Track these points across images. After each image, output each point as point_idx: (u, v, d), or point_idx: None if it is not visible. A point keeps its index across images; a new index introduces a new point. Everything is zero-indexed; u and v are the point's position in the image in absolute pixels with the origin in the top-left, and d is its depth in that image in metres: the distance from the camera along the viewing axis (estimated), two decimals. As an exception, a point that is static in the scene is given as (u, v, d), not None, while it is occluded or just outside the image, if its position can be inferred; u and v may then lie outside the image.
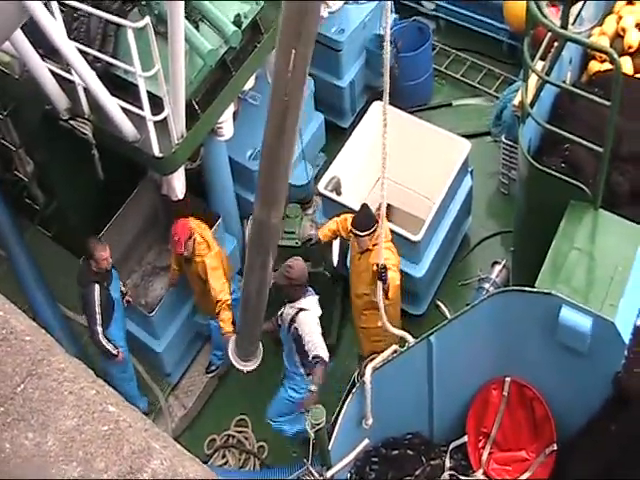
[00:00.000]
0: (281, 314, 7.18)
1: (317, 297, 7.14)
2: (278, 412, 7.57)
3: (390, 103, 8.44)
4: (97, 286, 7.30)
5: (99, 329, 7.38)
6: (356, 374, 7.20)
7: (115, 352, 7.48)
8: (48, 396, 2.90)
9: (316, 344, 6.89)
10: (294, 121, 4.36)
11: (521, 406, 6.64)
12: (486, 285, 8.51)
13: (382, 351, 6.47)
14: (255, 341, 6.86)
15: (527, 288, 5.93)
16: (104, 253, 7.23)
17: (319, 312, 7.09)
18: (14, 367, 2.96)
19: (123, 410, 2.96)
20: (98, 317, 7.35)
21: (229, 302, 7.47)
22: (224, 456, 8.26)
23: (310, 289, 7.12)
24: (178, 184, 7.08)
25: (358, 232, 7.16)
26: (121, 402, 3.00)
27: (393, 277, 7.02)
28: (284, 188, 4.85)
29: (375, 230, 7.01)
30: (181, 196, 7.27)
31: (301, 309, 7.01)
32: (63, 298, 8.71)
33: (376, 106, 8.75)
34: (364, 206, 7.39)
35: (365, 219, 7.19)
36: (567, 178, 6.28)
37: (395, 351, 5.92)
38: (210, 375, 8.60)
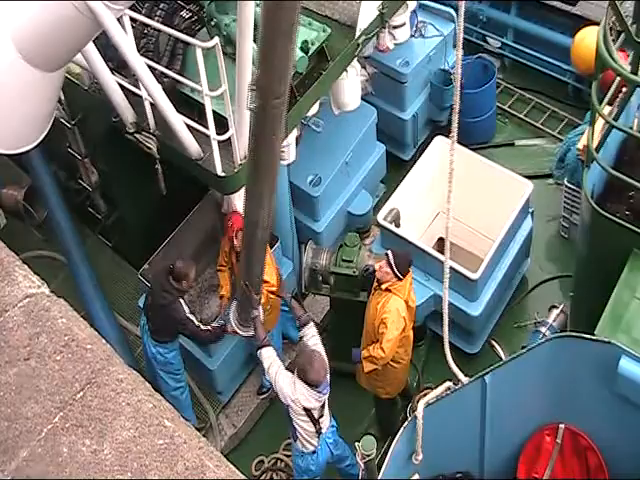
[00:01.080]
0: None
1: (319, 397, 6.64)
2: None
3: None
4: (181, 300, 7.32)
5: (200, 325, 7.34)
6: (408, 408, 7.10)
7: (224, 327, 7.39)
8: (106, 405, 2.92)
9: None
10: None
11: (574, 454, 6.47)
12: (543, 329, 8.39)
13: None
14: (253, 306, 6.82)
15: (586, 335, 5.82)
16: (194, 274, 7.30)
17: (305, 404, 6.60)
18: (74, 374, 3.00)
19: (178, 426, 2.95)
20: (192, 317, 7.31)
21: (273, 289, 7.35)
22: (271, 478, 8.23)
23: (317, 387, 6.57)
24: (239, 203, 7.07)
25: (395, 269, 6.95)
26: (177, 418, 3.00)
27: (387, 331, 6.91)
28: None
29: (403, 278, 6.95)
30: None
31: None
32: (119, 307, 8.79)
33: (439, 141, 8.71)
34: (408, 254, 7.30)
35: (404, 262, 7.01)
36: (631, 226, 6.17)
37: (449, 388, 5.79)
38: (261, 397, 8.57)
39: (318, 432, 6.84)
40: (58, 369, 2.98)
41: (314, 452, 6.96)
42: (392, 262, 6.89)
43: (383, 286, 6.99)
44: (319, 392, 6.57)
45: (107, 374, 3.01)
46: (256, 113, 4.70)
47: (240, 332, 7.24)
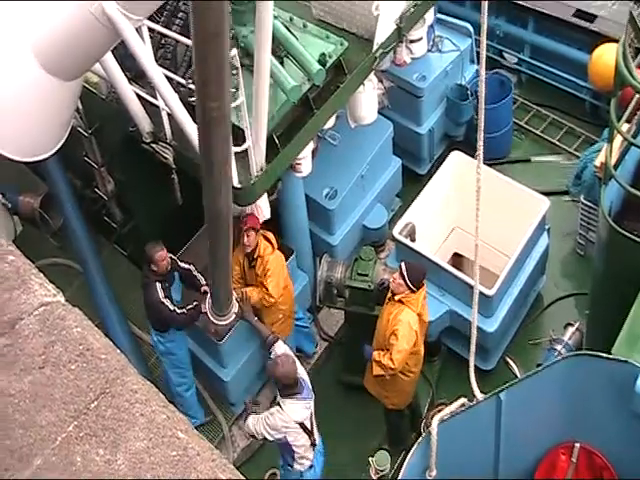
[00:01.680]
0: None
1: (306, 404, 6.73)
2: None
3: (467, 154, 8.47)
4: (159, 284, 7.34)
5: (175, 309, 7.33)
6: (423, 424, 7.06)
7: (198, 307, 7.35)
8: (120, 415, 2.89)
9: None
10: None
11: (589, 474, 6.39)
12: (558, 347, 8.35)
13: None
14: (228, 295, 6.80)
15: (603, 354, 5.77)
16: (163, 253, 7.27)
17: (297, 418, 6.67)
18: (89, 383, 2.97)
19: (192, 438, 2.93)
20: (167, 301, 7.31)
21: (274, 302, 7.40)
22: (283, 492, 8.15)
23: (300, 394, 6.66)
24: (265, 207, 7.12)
25: (408, 281, 6.95)
26: (190, 429, 2.97)
27: (399, 344, 6.91)
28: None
29: (416, 290, 6.96)
30: (268, 216, 7.27)
31: (279, 404, 6.70)
32: (134, 317, 8.80)
33: (455, 155, 8.70)
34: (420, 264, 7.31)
35: (417, 274, 7.01)
36: (649, 244, 6.11)
37: (463, 404, 5.74)
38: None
39: (313, 444, 6.90)
40: (73, 378, 2.96)
41: (311, 466, 7.00)
42: (405, 274, 6.89)
43: (396, 297, 6.98)
44: (304, 398, 6.65)
45: (121, 384, 2.99)
46: (198, 115, 4.69)
47: (212, 319, 7.16)
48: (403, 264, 7.00)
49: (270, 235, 7.55)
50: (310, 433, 6.83)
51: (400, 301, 6.99)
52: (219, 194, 5.14)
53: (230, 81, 4.56)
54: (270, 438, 6.71)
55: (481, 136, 5.34)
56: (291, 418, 6.59)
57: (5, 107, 5.55)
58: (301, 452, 6.86)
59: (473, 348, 6.22)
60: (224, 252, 5.83)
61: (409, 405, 7.88)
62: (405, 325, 6.92)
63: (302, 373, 6.79)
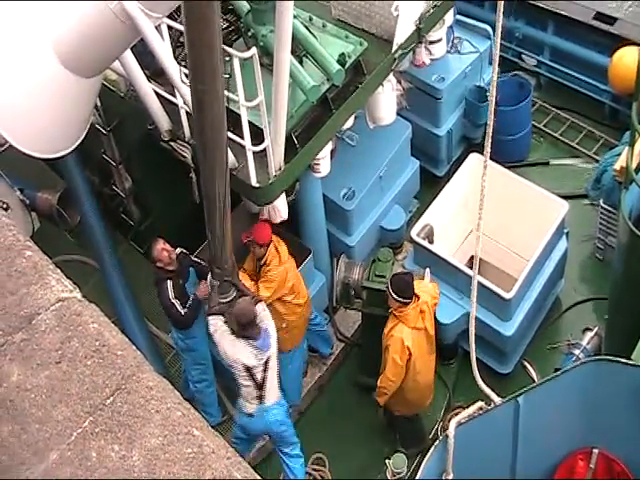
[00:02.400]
0: None
1: (257, 352, 6.81)
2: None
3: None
4: (169, 281, 7.32)
5: (181, 311, 7.33)
6: (439, 427, 7.02)
7: (196, 297, 7.35)
8: (135, 412, 2.89)
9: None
10: None
11: (608, 480, 6.31)
12: (576, 351, 8.30)
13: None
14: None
15: (622, 359, 5.73)
16: (159, 246, 7.26)
17: (239, 358, 6.79)
18: (105, 379, 2.98)
19: (207, 435, 2.93)
20: (176, 302, 7.29)
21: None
22: (300, 493, 8.15)
23: (254, 340, 6.76)
24: (283, 207, 7.09)
25: (393, 293, 6.95)
26: (205, 427, 2.97)
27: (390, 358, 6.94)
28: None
29: (408, 302, 6.93)
30: (285, 216, 7.23)
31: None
32: (150, 315, 8.80)
33: (473, 158, 8.65)
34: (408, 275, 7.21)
35: (404, 285, 6.98)
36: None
37: (481, 408, 5.69)
38: None
39: (259, 398, 6.96)
40: (89, 374, 2.97)
41: (250, 415, 7.08)
42: (389, 287, 6.92)
43: (394, 312, 7.02)
44: (257, 348, 6.74)
45: (137, 381, 2.99)
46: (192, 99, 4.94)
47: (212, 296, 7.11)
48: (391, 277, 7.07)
49: (282, 248, 7.48)
50: (258, 386, 6.89)
51: (394, 314, 7.04)
52: (214, 178, 5.29)
53: (221, 66, 4.66)
54: (223, 357, 6.88)
55: (489, 137, 5.24)
56: (234, 356, 6.73)
57: (25, 104, 5.58)
58: (243, 393, 6.98)
59: (473, 346, 6.26)
60: (221, 231, 5.93)
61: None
62: (397, 342, 6.95)
63: (268, 325, 6.85)
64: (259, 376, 6.86)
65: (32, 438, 2.79)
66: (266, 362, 6.84)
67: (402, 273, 7.25)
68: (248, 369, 6.80)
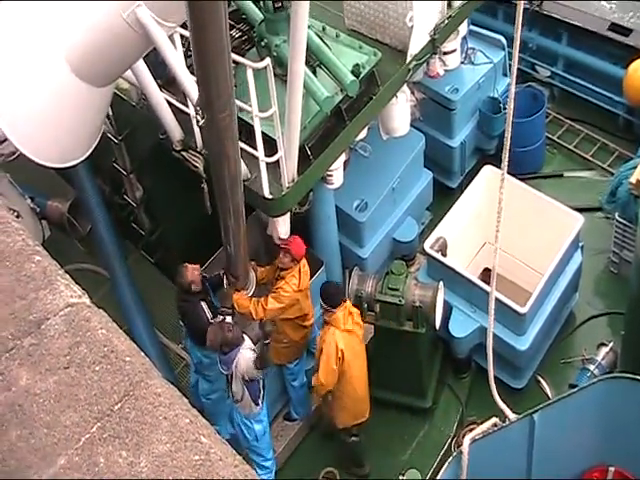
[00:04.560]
0: None
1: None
2: None
3: (500, 168, 8.37)
4: (203, 303, 7.27)
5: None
6: (453, 442, 6.94)
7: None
8: (143, 418, 2.86)
9: None
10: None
11: (624, 498, 6.22)
12: (591, 367, 8.25)
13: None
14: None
15: (639, 377, 5.63)
16: (190, 268, 7.20)
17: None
18: (113, 385, 2.94)
19: (215, 443, 2.90)
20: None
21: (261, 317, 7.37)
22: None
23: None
24: (282, 227, 7.01)
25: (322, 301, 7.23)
26: (213, 434, 2.94)
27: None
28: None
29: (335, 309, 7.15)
30: (285, 237, 7.19)
31: None
32: (161, 324, 8.79)
33: (487, 170, 8.61)
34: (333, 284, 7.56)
35: (332, 293, 7.25)
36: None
37: (495, 424, 5.62)
38: (287, 422, 8.55)
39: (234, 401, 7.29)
40: (97, 379, 2.94)
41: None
42: (320, 296, 7.18)
43: (326, 318, 7.24)
44: (220, 362, 7.08)
45: (145, 387, 2.96)
46: (207, 128, 5.09)
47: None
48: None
49: (304, 276, 7.44)
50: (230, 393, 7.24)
51: (326, 322, 7.22)
52: (225, 190, 5.52)
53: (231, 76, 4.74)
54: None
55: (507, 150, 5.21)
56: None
57: (36, 113, 5.57)
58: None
59: (490, 356, 6.15)
60: (236, 241, 6.08)
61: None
62: (329, 344, 7.12)
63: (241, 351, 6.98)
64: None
65: (40, 443, 2.76)
66: (230, 376, 7.14)
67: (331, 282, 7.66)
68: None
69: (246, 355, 6.98)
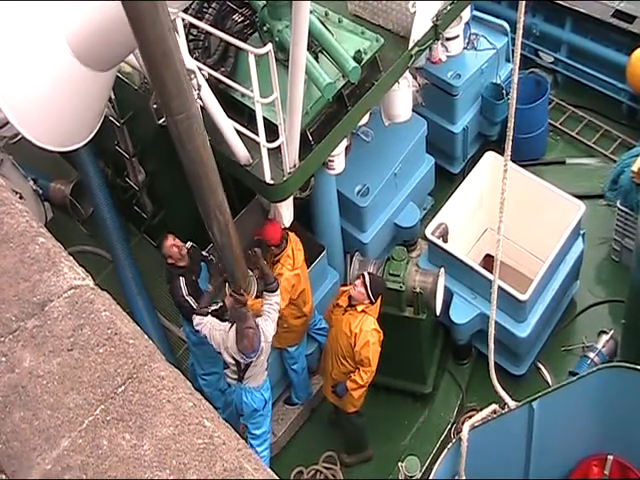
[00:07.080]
0: None
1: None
2: None
3: (502, 154, 8.35)
4: (182, 278, 7.28)
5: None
6: (453, 429, 6.95)
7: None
8: (147, 401, 2.86)
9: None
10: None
11: (622, 487, 6.25)
12: (591, 354, 8.25)
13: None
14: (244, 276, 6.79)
15: (638, 366, 5.66)
16: (169, 242, 7.23)
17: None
18: (116, 368, 2.95)
19: (218, 427, 2.91)
20: (190, 299, 7.22)
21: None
22: (311, 490, 8.14)
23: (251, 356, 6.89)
24: (286, 213, 7.02)
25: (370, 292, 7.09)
26: (216, 418, 2.95)
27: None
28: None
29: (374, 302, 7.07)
30: (287, 225, 7.22)
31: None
32: (162, 307, 8.80)
33: (490, 156, 8.58)
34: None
35: (378, 288, 7.16)
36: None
37: (495, 411, 5.63)
38: (287, 406, 8.55)
39: (239, 379, 7.04)
40: (100, 362, 2.94)
41: (229, 385, 7.29)
42: (368, 285, 7.02)
43: (358, 308, 7.10)
44: (246, 356, 6.76)
45: (149, 370, 2.96)
46: (169, 128, 4.97)
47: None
48: (367, 275, 7.10)
49: (298, 253, 7.44)
50: (241, 370, 7.00)
51: (363, 311, 7.10)
52: (204, 196, 5.53)
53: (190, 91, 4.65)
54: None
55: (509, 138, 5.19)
56: (225, 343, 6.80)
57: (38, 97, 5.54)
58: (228, 370, 7.10)
59: (492, 345, 6.19)
60: (225, 240, 6.00)
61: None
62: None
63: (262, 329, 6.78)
64: (242, 363, 6.97)
65: (44, 425, 2.76)
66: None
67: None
68: (233, 357, 6.90)
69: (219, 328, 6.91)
